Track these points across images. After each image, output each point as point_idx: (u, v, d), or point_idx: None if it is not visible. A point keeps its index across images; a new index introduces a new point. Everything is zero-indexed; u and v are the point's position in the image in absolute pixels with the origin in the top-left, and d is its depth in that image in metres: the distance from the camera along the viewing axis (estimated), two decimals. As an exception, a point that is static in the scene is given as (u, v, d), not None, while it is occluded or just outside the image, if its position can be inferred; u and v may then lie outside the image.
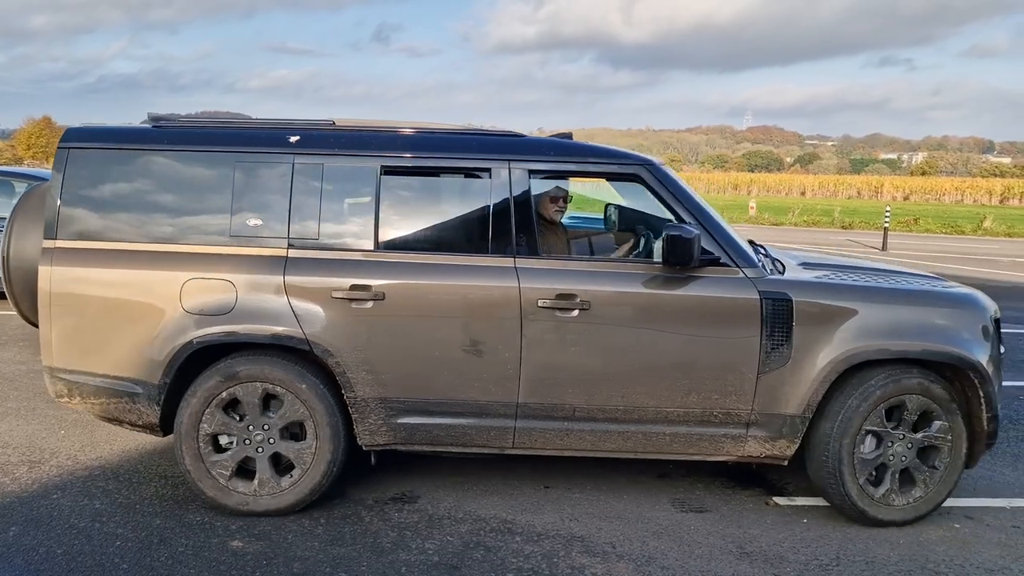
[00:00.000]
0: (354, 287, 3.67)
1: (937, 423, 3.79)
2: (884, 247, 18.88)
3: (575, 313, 3.68)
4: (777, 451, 3.82)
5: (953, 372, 3.85)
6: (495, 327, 3.68)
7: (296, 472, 3.75)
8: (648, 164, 3.93)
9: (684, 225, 3.71)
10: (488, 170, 3.79)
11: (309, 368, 3.73)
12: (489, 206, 3.77)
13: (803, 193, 58.27)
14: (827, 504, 4.11)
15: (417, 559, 3.42)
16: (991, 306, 3.99)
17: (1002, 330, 4.06)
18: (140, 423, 3.82)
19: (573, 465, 4.52)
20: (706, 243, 3.76)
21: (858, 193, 57.86)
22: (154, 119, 4.01)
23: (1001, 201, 52.18)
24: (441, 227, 3.84)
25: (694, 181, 60.74)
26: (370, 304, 3.67)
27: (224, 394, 3.70)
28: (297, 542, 3.53)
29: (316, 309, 3.68)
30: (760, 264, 3.86)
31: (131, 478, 4.17)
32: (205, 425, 3.70)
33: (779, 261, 4.24)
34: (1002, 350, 3.98)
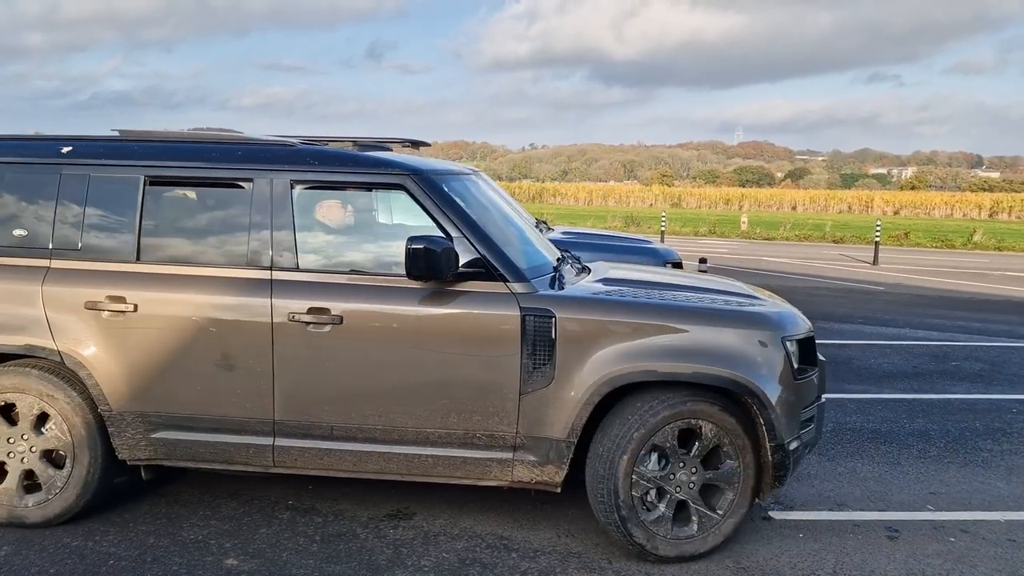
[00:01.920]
0: (109, 298, 3.63)
1: (719, 444, 3.53)
2: (875, 261, 18.97)
3: (328, 328, 3.55)
4: (547, 477, 3.56)
5: (731, 397, 3.56)
6: (247, 341, 3.58)
7: (59, 483, 3.72)
8: (414, 173, 3.68)
9: (434, 237, 3.44)
10: (251, 180, 3.68)
11: (68, 381, 3.70)
12: (249, 217, 3.67)
13: (794, 208, 58.54)
14: (824, 518, 4.11)
15: (413, 576, 3.40)
16: (791, 326, 3.68)
17: (819, 349, 3.90)
18: None
19: (569, 480, 4.50)
20: (471, 256, 3.53)
21: (849, 208, 58.15)
22: None
23: (990, 215, 52.49)
24: (202, 238, 3.74)
25: (686, 196, 61.00)
26: (124, 316, 3.62)
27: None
28: (292, 560, 3.50)
29: (71, 320, 3.64)
30: (541, 278, 3.66)
31: (123, 496, 4.14)
32: None
33: (585, 274, 4.14)
34: (809, 374, 3.69)
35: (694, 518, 3.58)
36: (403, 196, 3.70)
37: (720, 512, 3.60)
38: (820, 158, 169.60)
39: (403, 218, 4.35)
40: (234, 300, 3.60)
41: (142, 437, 3.71)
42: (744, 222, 32.58)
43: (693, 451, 3.55)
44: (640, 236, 8.37)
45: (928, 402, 6.51)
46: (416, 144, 7.17)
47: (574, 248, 6.67)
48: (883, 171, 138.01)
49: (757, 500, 3.67)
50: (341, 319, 3.54)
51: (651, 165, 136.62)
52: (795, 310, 3.96)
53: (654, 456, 3.55)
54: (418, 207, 3.65)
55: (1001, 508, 4.35)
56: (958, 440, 5.52)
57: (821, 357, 3.92)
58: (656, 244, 7.29)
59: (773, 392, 3.48)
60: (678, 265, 6.92)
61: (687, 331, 3.51)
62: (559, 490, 3.61)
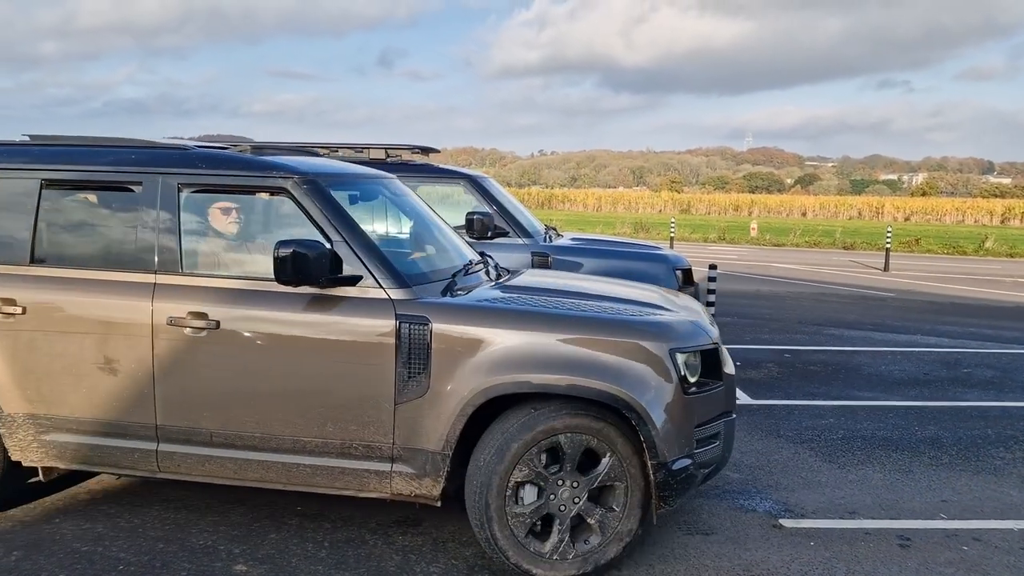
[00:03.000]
0: (0, 301, 3.66)
1: (604, 460, 3.36)
2: (886, 268, 18.88)
3: (205, 333, 3.52)
4: (424, 490, 3.45)
5: (609, 411, 3.36)
6: (130, 345, 3.56)
7: None
8: (297, 176, 3.60)
9: (307, 240, 3.35)
10: (140, 183, 3.67)
11: None
12: (137, 221, 3.66)
13: (804, 214, 58.31)
14: (835, 526, 4.08)
15: (422, 583, 3.39)
16: (686, 337, 3.49)
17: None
18: None
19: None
20: (350, 261, 3.47)
21: (859, 214, 57.89)
22: None
23: (1002, 221, 52.16)
24: (92, 242, 3.75)
25: (696, 202, 60.91)
26: (14, 319, 3.64)
27: None
28: (301, 566, 3.50)
29: None
30: (428, 284, 3.59)
31: (133, 501, 4.15)
32: None
33: (499, 280, 4.08)
34: (708, 388, 3.51)
35: (570, 539, 3.41)
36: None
37: (603, 536, 3.41)
38: (830, 164, 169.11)
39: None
40: (119, 303, 3.60)
41: (33, 439, 3.72)
42: (754, 228, 32.49)
43: (576, 468, 3.38)
44: (649, 243, 8.35)
45: (940, 409, 6.47)
46: (425, 150, 7.23)
47: (583, 255, 6.68)
48: (893, 177, 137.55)
49: (649, 520, 3.46)
50: (218, 324, 3.51)
51: (660, 171, 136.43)
52: (701, 320, 3.81)
53: (531, 471, 3.36)
54: (300, 212, 3.58)
55: (1014, 516, 4.31)
56: (970, 447, 5.48)
57: (729, 370, 3.74)
58: (666, 250, 7.27)
59: (654, 407, 3.28)
60: (688, 271, 6.91)
61: (566, 341, 3.35)
62: (439, 504, 3.51)
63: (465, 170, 7.30)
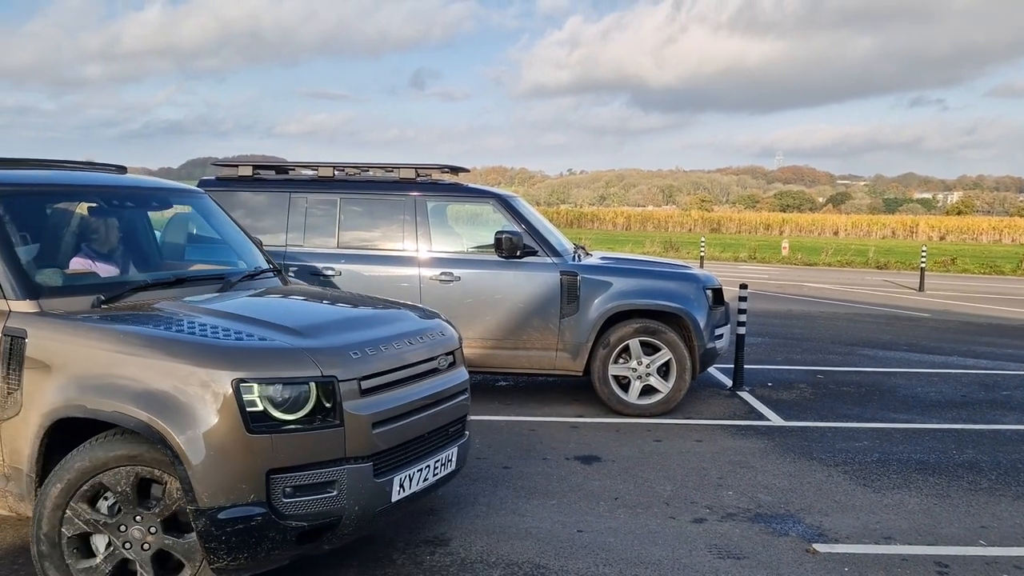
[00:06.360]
0: None
1: (164, 488, 3.07)
2: (921, 287, 18.58)
3: None
4: (22, 510, 3.28)
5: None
6: None
7: None
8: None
9: None
10: None
11: None
12: None
13: (836, 233, 57.72)
14: (871, 552, 4.00)
15: (449, 604, 3.37)
16: (272, 365, 3.08)
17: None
18: None
19: (606, 508, 4.45)
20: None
21: (892, 233, 57.18)
22: None
23: (1040, 240, 51.21)
24: None
25: (726, 221, 60.53)
26: None
27: None
28: (329, 585, 3.50)
29: None
30: (68, 298, 3.43)
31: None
32: None
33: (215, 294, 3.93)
34: (312, 424, 3.08)
35: None
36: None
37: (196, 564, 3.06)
38: (862, 183, 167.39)
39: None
40: None
41: None
42: (785, 247, 32.19)
43: (150, 506, 3.07)
44: (679, 262, 8.30)
45: (978, 432, 6.32)
46: (455, 170, 7.26)
47: (612, 274, 6.64)
48: (928, 196, 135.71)
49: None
50: None
51: (690, 190, 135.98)
52: (344, 347, 3.32)
53: (102, 500, 3.10)
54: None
55: (1057, 544, 4.18)
56: (1010, 472, 5.34)
57: (360, 411, 3.21)
58: (696, 270, 7.22)
59: (194, 443, 2.90)
60: (718, 291, 6.85)
61: (134, 364, 3.04)
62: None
63: (494, 189, 7.32)
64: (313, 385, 3.10)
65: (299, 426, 3.05)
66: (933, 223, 59.41)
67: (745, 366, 7.71)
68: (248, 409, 2.97)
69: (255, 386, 2.99)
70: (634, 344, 6.48)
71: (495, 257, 6.56)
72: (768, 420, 6.53)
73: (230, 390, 2.95)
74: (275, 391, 3.03)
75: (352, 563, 3.72)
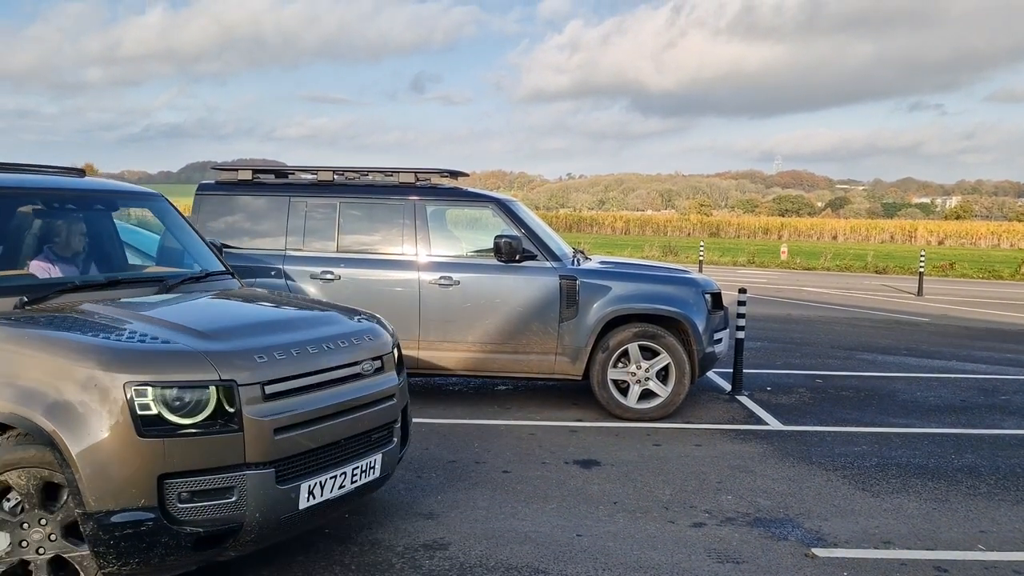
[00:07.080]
0: None
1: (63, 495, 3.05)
2: (920, 292, 18.59)
3: None
4: None
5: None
6: None
7: None
8: None
9: None
10: None
11: None
12: None
13: (835, 237, 57.79)
14: (870, 556, 4.00)
15: (448, 608, 3.37)
16: (162, 367, 3.02)
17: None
18: None
19: (605, 512, 4.45)
20: None
21: (891, 237, 57.22)
22: None
23: (1039, 245, 51.29)
24: None
25: (724, 225, 60.55)
26: None
27: None
28: (328, 589, 3.50)
29: None
30: None
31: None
32: None
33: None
34: (210, 428, 3.03)
35: None
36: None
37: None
38: (861, 187, 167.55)
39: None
40: None
41: None
42: (784, 252, 32.21)
43: (53, 510, 3.03)
44: (678, 266, 8.30)
45: (977, 437, 6.33)
46: (454, 174, 7.27)
47: (611, 278, 6.65)
48: (927, 200, 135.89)
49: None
50: None
51: (689, 194, 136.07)
52: (236, 352, 3.23)
53: (5, 500, 3.05)
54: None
55: (1056, 549, 4.19)
56: (1009, 477, 5.35)
57: (259, 415, 3.15)
58: (694, 274, 7.22)
59: (81, 445, 2.88)
60: (717, 295, 6.86)
61: (37, 366, 3.02)
62: None
63: (494, 193, 7.33)
64: (213, 389, 3.05)
65: (196, 431, 3.00)
66: (932, 228, 59.49)
67: (744, 370, 7.71)
68: (140, 412, 2.92)
69: (149, 389, 2.95)
70: (633, 348, 6.48)
71: (494, 261, 6.56)
72: (767, 424, 6.54)
73: (123, 393, 2.92)
74: (170, 394, 2.99)
75: (351, 568, 3.72)
